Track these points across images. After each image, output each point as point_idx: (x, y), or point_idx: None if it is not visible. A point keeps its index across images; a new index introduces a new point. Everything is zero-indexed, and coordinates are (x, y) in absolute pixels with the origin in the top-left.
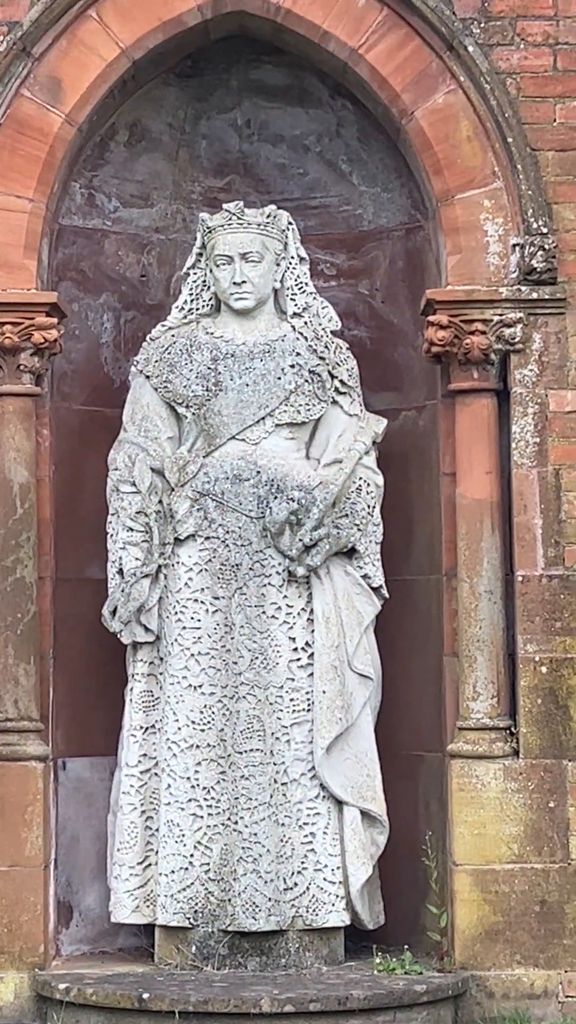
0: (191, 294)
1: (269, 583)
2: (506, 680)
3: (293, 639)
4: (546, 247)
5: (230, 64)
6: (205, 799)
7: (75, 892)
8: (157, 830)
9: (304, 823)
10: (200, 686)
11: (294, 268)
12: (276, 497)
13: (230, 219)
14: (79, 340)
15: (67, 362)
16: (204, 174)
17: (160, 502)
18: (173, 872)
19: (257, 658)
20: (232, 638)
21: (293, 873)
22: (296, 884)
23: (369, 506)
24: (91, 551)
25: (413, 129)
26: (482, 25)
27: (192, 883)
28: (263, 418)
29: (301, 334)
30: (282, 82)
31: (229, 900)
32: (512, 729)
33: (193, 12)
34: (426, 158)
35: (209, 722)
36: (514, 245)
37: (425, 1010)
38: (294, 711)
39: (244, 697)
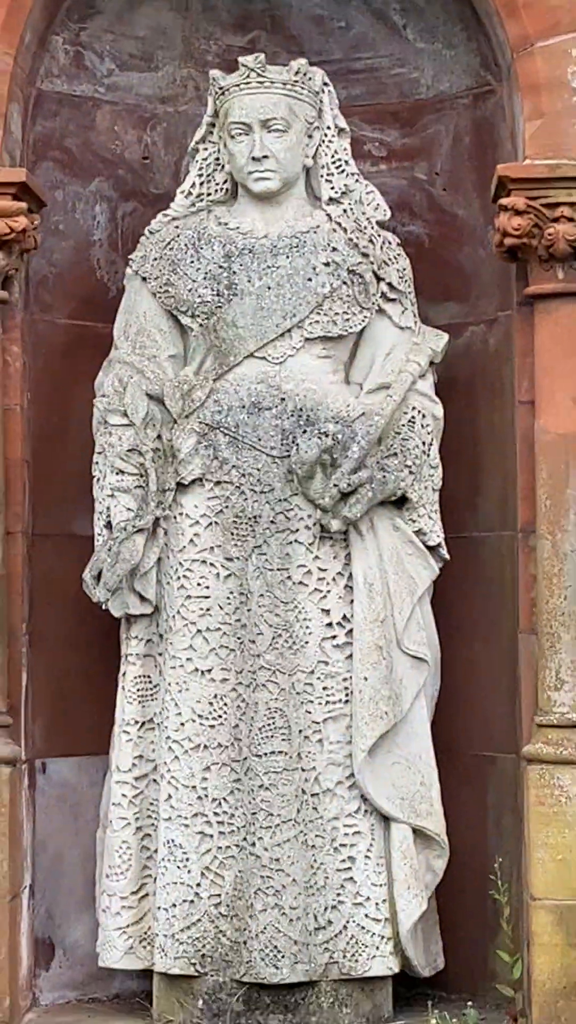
0: (200, 175)
1: (296, 540)
2: None
3: (326, 611)
4: None
5: None
6: (215, 813)
7: (58, 926)
8: (155, 851)
9: (340, 845)
10: (209, 671)
11: (331, 141)
12: (305, 431)
13: (248, 76)
14: (64, 237)
15: (48, 264)
16: (221, 29)
17: (159, 437)
18: (175, 906)
19: (280, 636)
20: (249, 610)
21: (326, 909)
22: (330, 923)
23: (424, 443)
24: (77, 501)
25: None
26: None
27: (198, 920)
28: (289, 330)
29: (339, 224)
30: None
31: (245, 943)
32: None
33: None
34: None
35: (220, 716)
36: None
37: None
38: (328, 703)
39: (264, 685)
